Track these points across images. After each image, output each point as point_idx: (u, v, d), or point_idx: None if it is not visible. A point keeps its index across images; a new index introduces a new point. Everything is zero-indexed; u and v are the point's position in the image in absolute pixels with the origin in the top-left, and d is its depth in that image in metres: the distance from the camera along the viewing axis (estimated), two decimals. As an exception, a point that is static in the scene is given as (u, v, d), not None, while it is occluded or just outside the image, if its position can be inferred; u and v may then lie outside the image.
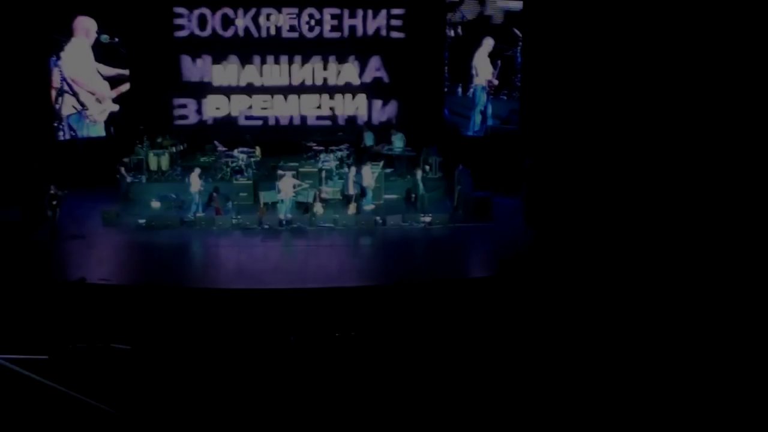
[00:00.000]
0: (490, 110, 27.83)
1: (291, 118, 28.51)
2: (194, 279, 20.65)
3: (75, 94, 26.08)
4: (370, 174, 24.37)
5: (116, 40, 26.76)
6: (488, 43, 27.47)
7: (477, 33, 27.63)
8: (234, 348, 11.76)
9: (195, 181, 23.64)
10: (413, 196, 24.77)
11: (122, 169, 25.09)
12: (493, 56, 27.43)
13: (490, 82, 27.55)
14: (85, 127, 26.72)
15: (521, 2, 27.01)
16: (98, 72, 26.66)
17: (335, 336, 12.71)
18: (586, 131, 24.25)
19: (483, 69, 27.63)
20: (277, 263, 21.63)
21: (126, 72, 27.28)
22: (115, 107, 27.05)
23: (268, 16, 27.78)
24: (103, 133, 27.11)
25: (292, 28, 27.97)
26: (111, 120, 27.16)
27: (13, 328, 13.59)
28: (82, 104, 26.16)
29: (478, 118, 27.97)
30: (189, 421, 4.88)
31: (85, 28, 26.30)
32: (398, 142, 26.26)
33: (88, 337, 12.57)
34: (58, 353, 9.09)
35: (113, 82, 27.02)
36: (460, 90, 28.22)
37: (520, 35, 27.18)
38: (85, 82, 26.23)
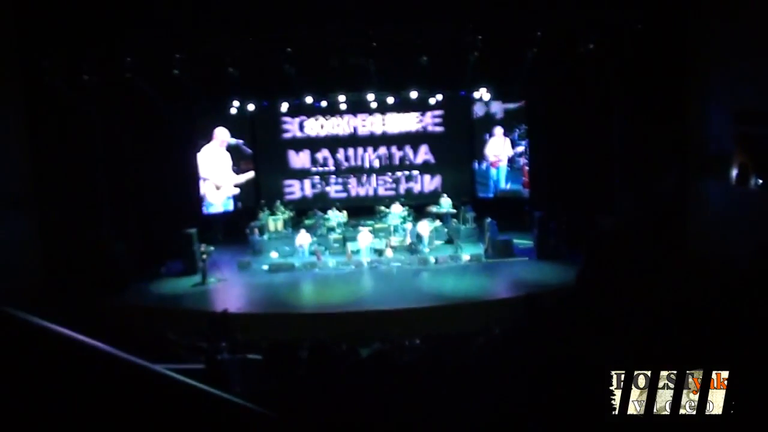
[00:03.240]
0: (502, 179, 27.77)
1: (367, 191, 28.41)
2: (303, 306, 20.58)
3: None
4: (426, 227, 24.48)
5: (242, 142, 27.09)
6: (498, 132, 27.60)
7: (485, 126, 27.76)
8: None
9: (301, 238, 23.95)
10: (452, 239, 24.77)
11: (252, 231, 25.23)
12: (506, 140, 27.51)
13: (497, 160, 27.68)
14: (213, 205, 26.98)
15: (517, 103, 26.95)
16: (226, 164, 27.05)
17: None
18: (575, 189, 23.81)
19: (492, 150, 27.83)
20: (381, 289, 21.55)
21: (251, 164, 27.71)
22: (236, 191, 27.40)
23: (347, 121, 27.99)
24: (230, 208, 27.35)
25: (365, 129, 28.25)
26: (238, 198, 27.50)
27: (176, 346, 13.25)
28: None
29: (492, 186, 27.99)
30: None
31: (220, 136, 26.73)
32: (445, 203, 26.23)
33: (231, 351, 12.14)
34: (211, 364, 8.62)
35: (242, 171, 27.42)
36: (476, 165, 28.16)
37: (517, 126, 27.25)
38: (210, 176, 26.55)
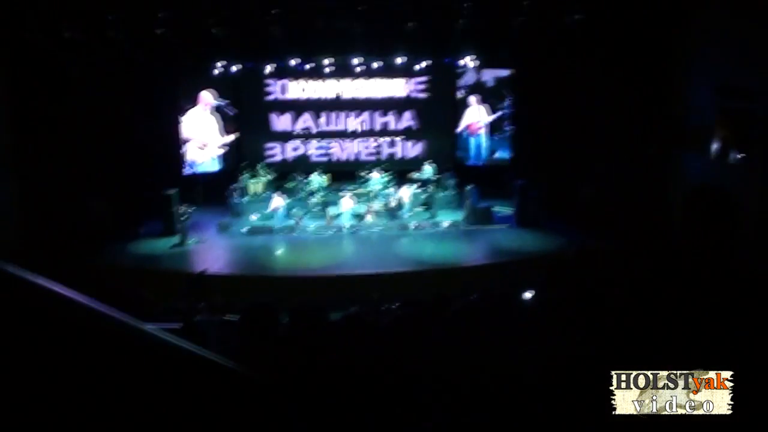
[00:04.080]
0: (483, 147, 27.82)
1: (348, 155, 28.29)
2: (282, 269, 20.73)
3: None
4: (407, 192, 24.60)
5: (225, 102, 26.96)
6: (473, 100, 27.70)
7: (477, 94, 27.66)
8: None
9: (276, 201, 23.96)
10: (429, 204, 24.99)
11: (232, 193, 25.20)
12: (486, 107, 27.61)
13: (471, 128, 27.86)
14: (202, 165, 26.97)
15: (508, 70, 26.88)
16: (213, 127, 26.95)
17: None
18: (556, 159, 23.95)
19: (469, 119, 28.00)
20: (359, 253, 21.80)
21: (234, 126, 27.52)
22: (221, 152, 27.31)
23: (330, 85, 27.93)
24: (217, 168, 27.24)
25: (349, 93, 28.08)
26: (223, 159, 27.40)
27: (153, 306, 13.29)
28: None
29: (472, 153, 28.10)
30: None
31: (204, 98, 26.60)
32: (428, 169, 26.17)
33: (208, 313, 12.20)
34: (188, 324, 8.66)
35: (227, 131, 27.35)
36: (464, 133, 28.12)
37: (506, 94, 27.07)
38: (194, 138, 26.59)
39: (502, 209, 24.62)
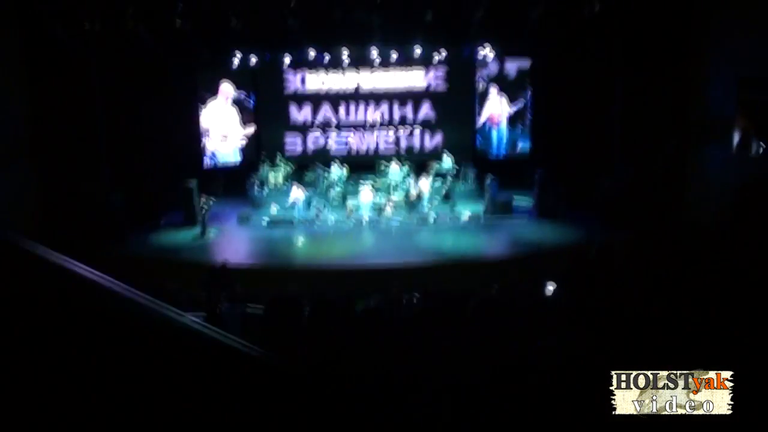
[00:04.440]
0: (504, 140, 27.76)
1: (368, 147, 28.23)
2: (302, 261, 20.86)
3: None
4: (427, 184, 24.47)
5: (244, 95, 27.06)
6: (493, 91, 27.58)
7: (497, 84, 27.58)
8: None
9: (294, 192, 23.95)
10: (449, 195, 25.02)
11: (252, 184, 25.42)
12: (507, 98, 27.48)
13: (491, 119, 27.73)
14: (224, 156, 27.11)
15: (528, 60, 26.72)
16: (233, 118, 27.07)
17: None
18: (576, 150, 23.87)
19: (489, 110, 27.88)
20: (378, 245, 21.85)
21: (252, 118, 27.64)
22: (241, 143, 27.40)
23: (349, 77, 27.86)
24: (238, 160, 27.31)
25: (368, 85, 28.04)
26: (243, 151, 27.51)
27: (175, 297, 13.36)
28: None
29: (495, 145, 27.97)
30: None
31: (225, 90, 26.71)
32: (446, 161, 26.16)
33: (230, 303, 12.27)
34: (211, 315, 8.73)
35: (245, 123, 27.42)
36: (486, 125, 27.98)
37: (528, 85, 26.90)
38: (214, 130, 26.76)
39: (522, 201, 24.56)
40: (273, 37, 24.35)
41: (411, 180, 24.89)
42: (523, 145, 27.47)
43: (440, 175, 25.63)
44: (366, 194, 23.89)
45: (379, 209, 23.81)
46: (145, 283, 13.13)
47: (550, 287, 9.85)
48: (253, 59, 25.58)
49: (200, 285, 15.39)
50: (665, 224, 20.65)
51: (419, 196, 24.11)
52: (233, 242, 22.02)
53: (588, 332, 5.55)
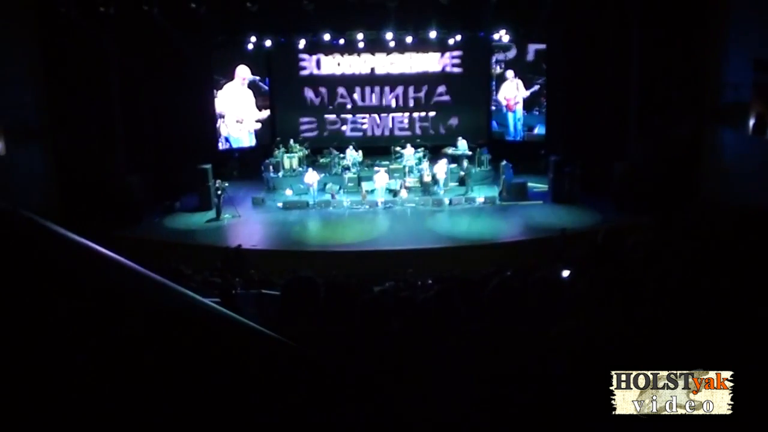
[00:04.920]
0: (520, 124, 27.63)
1: (383, 130, 28.21)
2: (317, 244, 20.87)
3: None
4: (442, 168, 24.29)
5: (258, 78, 27.20)
6: (510, 75, 27.55)
7: (512, 68, 27.42)
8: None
9: (310, 176, 23.92)
10: (464, 179, 24.71)
11: (267, 168, 25.38)
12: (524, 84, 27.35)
13: (508, 103, 27.70)
14: (238, 140, 27.23)
15: (544, 45, 26.63)
16: (249, 101, 27.14)
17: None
18: (592, 134, 23.79)
19: (506, 93, 27.82)
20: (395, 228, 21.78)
21: (267, 101, 27.82)
22: (256, 126, 27.51)
23: (365, 60, 27.84)
24: (254, 143, 27.50)
25: (383, 68, 28.04)
26: (257, 134, 27.58)
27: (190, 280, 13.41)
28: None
29: (511, 129, 27.84)
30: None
31: (241, 73, 26.81)
32: (461, 145, 26.11)
33: (246, 286, 12.32)
34: (226, 298, 8.75)
35: (259, 107, 27.47)
36: (503, 108, 27.83)
37: (545, 67, 26.73)
38: (229, 113, 26.79)
39: (538, 185, 24.51)
40: (288, 21, 24.35)
41: (426, 163, 24.88)
42: (539, 130, 27.35)
43: (455, 158, 25.60)
44: (381, 177, 23.88)
45: (393, 192, 23.83)
46: (160, 266, 13.23)
47: (566, 272, 9.81)
48: (268, 42, 25.59)
49: (215, 269, 15.44)
50: (680, 208, 20.56)
51: (435, 180, 24.07)
52: (248, 226, 22.07)
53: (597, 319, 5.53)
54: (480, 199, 23.39)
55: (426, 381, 4.07)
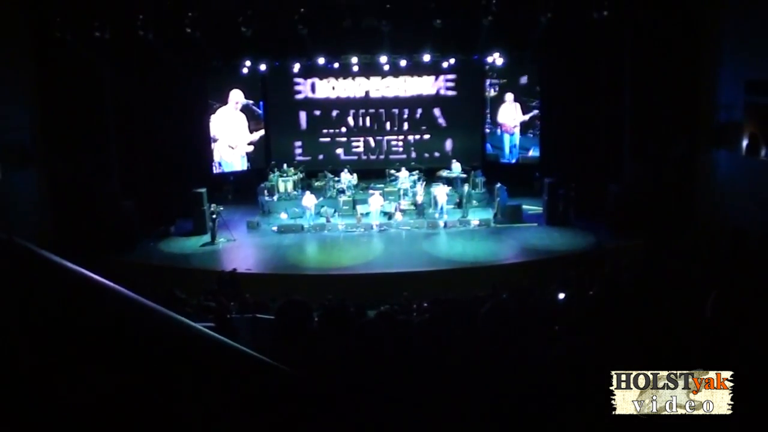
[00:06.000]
0: (516, 145, 27.63)
1: (377, 153, 28.38)
2: (312, 268, 20.77)
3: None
4: (442, 192, 24.08)
5: (251, 102, 27.27)
6: (509, 98, 27.54)
7: (510, 91, 27.49)
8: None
9: (307, 199, 23.82)
10: (461, 202, 24.56)
11: (262, 191, 25.35)
12: (521, 107, 27.38)
13: (506, 126, 27.68)
14: (229, 164, 27.26)
15: (537, 67, 26.78)
16: (241, 125, 27.21)
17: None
18: (586, 156, 23.88)
19: (504, 117, 27.76)
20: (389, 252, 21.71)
21: (261, 125, 27.86)
22: (250, 149, 27.57)
23: (359, 84, 27.91)
24: (246, 167, 27.54)
25: (378, 92, 28.14)
26: (250, 158, 27.69)
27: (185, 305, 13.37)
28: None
29: (507, 151, 27.87)
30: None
31: (234, 98, 26.90)
32: (455, 167, 26.10)
33: (241, 310, 12.29)
34: (221, 322, 8.71)
35: (252, 130, 27.53)
36: (498, 131, 27.84)
37: (538, 89, 26.82)
38: (222, 138, 26.90)
39: (532, 208, 24.51)
40: (283, 45, 24.41)
41: (420, 186, 24.83)
42: (534, 152, 27.40)
43: (450, 181, 25.59)
44: (375, 200, 23.84)
45: (388, 215, 23.83)
46: (154, 290, 13.19)
47: (561, 294, 9.84)
48: (263, 66, 25.66)
49: (209, 293, 15.39)
50: (674, 229, 20.56)
51: (435, 202, 23.99)
52: (243, 250, 22.03)
53: (589, 336, 5.52)
54: (475, 222, 23.38)
55: (422, 404, 4.05)
